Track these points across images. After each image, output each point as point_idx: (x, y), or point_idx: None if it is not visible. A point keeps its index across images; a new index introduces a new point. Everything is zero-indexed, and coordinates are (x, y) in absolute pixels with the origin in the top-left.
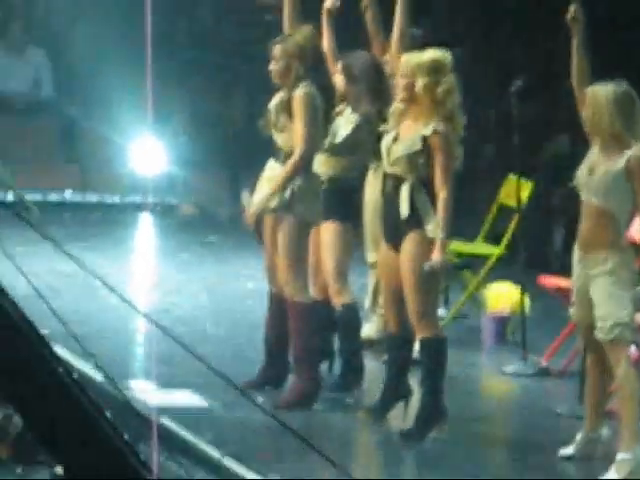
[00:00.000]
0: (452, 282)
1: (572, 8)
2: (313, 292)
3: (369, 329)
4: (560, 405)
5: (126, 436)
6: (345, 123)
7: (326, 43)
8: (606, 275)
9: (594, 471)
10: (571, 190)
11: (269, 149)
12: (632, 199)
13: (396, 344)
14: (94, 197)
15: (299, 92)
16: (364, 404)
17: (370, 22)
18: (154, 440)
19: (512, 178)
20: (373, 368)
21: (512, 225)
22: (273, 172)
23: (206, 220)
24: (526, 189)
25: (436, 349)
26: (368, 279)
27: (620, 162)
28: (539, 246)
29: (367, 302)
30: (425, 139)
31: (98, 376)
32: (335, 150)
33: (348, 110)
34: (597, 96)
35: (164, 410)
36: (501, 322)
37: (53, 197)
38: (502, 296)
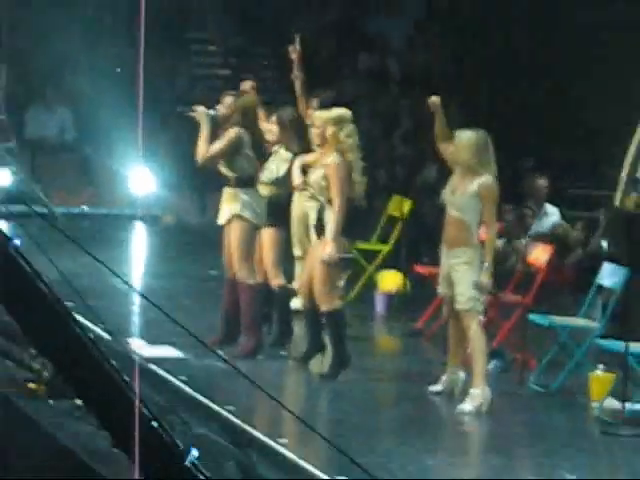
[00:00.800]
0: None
1: (434, 98)
2: (257, 277)
3: (296, 302)
4: (429, 354)
5: (125, 377)
6: (280, 160)
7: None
8: (463, 264)
9: (454, 402)
10: (438, 205)
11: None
12: (481, 212)
13: (311, 313)
14: (103, 210)
15: (230, 132)
16: (293, 355)
17: (298, 87)
18: (136, 377)
19: (397, 197)
20: (299, 330)
21: (397, 229)
22: (227, 193)
23: (181, 227)
24: (407, 205)
25: (336, 318)
26: (295, 267)
27: (474, 186)
28: (416, 244)
29: (295, 283)
30: (326, 167)
31: (106, 335)
32: (278, 181)
33: (282, 150)
34: (461, 139)
35: (151, 359)
36: (389, 298)
37: (75, 210)
38: (390, 279)
